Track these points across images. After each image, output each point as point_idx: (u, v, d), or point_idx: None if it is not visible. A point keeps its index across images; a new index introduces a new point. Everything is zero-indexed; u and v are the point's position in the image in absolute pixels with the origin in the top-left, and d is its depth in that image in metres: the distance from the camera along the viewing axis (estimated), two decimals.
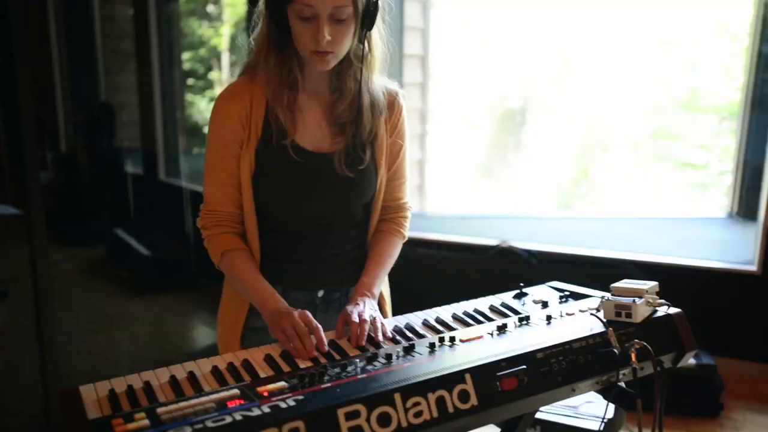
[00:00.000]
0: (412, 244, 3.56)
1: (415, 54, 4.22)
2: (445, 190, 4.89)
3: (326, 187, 1.49)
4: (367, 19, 1.38)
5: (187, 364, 1.21)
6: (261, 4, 1.43)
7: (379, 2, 1.39)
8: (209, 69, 5.53)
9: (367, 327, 1.31)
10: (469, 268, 3.51)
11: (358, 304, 1.41)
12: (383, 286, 1.63)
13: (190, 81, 5.32)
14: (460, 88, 4.82)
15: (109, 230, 4.37)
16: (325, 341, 1.28)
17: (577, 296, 1.52)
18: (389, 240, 1.59)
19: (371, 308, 1.41)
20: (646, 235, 4.01)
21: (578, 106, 4.80)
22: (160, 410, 1.02)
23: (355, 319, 1.34)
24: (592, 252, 3.38)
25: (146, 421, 1.00)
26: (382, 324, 1.35)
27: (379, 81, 1.51)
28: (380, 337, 1.31)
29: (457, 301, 1.50)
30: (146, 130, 4.52)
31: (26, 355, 2.94)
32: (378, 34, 1.45)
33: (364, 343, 1.29)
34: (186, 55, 5.16)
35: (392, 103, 1.54)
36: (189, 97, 5.25)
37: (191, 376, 1.17)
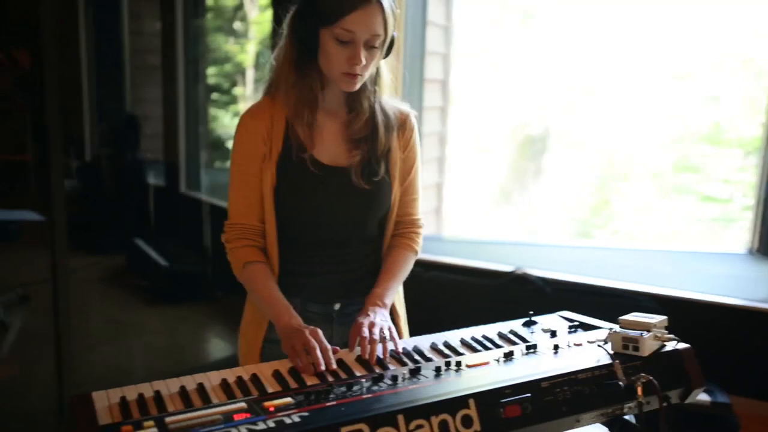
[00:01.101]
0: (427, 266, 3.59)
1: (435, 78, 4.25)
2: (462, 214, 4.89)
3: (344, 199, 1.53)
4: (388, 48, 1.48)
5: (197, 376, 1.23)
6: (285, 25, 1.50)
7: (395, 35, 1.50)
8: (234, 84, 5.61)
9: (377, 347, 1.34)
10: (482, 293, 3.50)
11: (368, 314, 1.44)
12: (398, 302, 1.66)
13: (215, 95, 5.40)
14: (480, 113, 4.84)
15: (129, 240, 4.44)
16: (333, 362, 1.30)
17: (586, 327, 1.52)
18: (402, 253, 1.62)
19: (382, 319, 1.44)
20: (663, 267, 3.97)
21: (599, 135, 4.80)
22: (168, 420, 1.05)
23: (365, 333, 1.36)
24: (606, 282, 3.36)
25: (155, 430, 1.02)
26: (393, 339, 1.38)
27: (390, 102, 1.59)
28: (388, 358, 1.33)
29: (468, 325, 1.51)
30: (169, 143, 4.59)
31: (43, 359, 2.98)
32: (385, 61, 1.55)
33: (374, 362, 1.31)
34: (211, 70, 5.25)
35: (404, 121, 1.61)
36: (213, 111, 5.33)
37: (200, 388, 1.19)
